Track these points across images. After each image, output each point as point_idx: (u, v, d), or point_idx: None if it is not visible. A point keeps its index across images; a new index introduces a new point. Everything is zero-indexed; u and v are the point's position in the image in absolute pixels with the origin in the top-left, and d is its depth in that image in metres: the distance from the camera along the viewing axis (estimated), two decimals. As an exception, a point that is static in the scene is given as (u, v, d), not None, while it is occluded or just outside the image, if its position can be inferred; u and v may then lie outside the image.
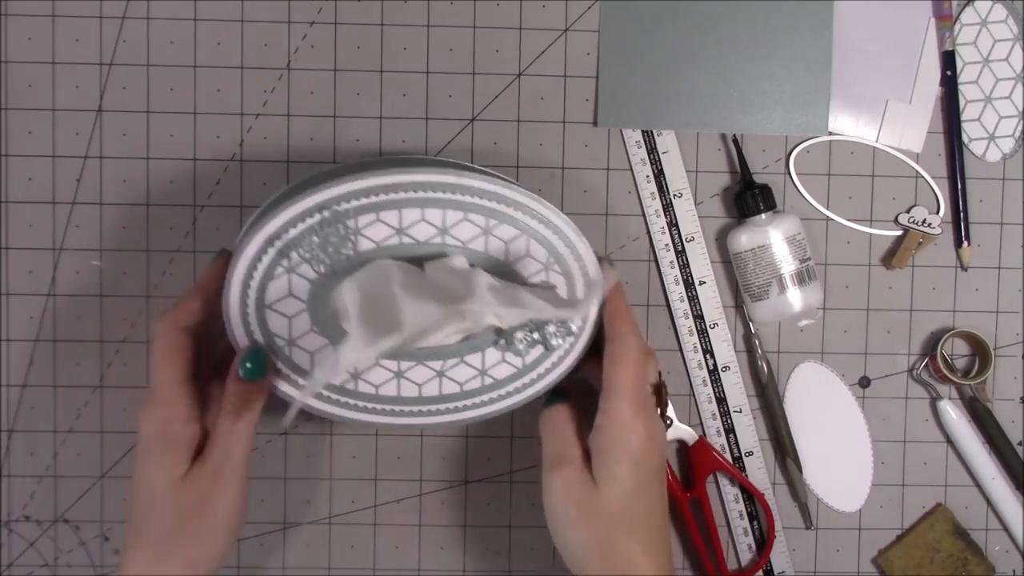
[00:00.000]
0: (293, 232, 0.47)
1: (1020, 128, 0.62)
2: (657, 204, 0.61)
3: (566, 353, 0.52)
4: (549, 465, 0.48)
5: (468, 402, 0.53)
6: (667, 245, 0.61)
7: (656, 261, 0.61)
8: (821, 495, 0.62)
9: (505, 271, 0.50)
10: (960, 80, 0.61)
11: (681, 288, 0.61)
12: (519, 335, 0.52)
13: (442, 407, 0.53)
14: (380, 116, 0.60)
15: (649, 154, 0.61)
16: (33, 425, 0.61)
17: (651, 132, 0.61)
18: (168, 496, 0.44)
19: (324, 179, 0.47)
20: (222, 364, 0.48)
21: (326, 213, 0.47)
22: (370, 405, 0.52)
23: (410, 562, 0.62)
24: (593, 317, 0.51)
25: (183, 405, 0.44)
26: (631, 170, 0.61)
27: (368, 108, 0.60)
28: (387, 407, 0.52)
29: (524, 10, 0.61)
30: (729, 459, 0.61)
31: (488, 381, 0.53)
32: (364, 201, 0.47)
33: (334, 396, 0.52)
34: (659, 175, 0.61)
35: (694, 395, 0.61)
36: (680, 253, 0.61)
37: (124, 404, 0.61)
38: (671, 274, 0.61)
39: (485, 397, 0.53)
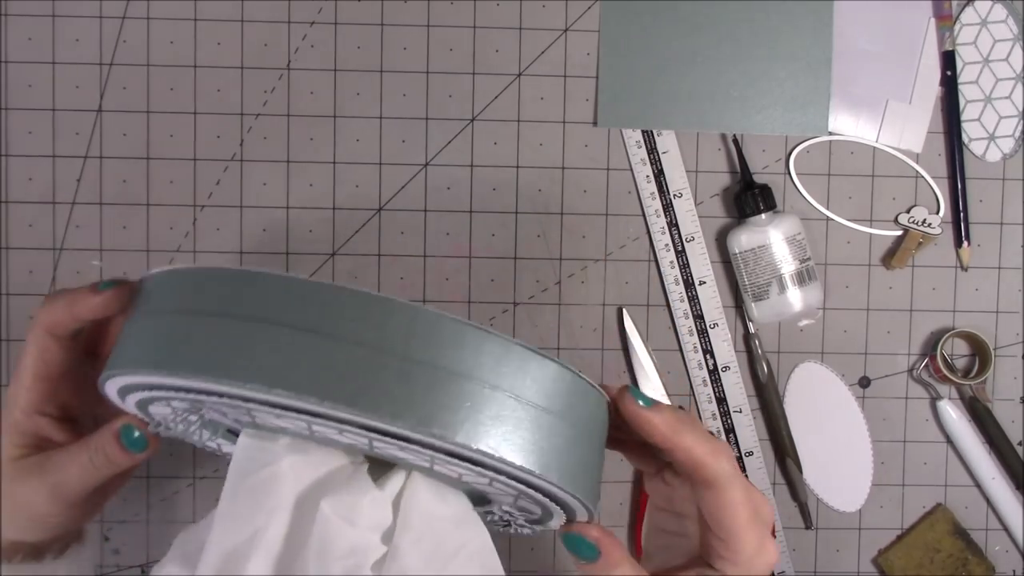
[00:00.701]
0: (165, 408, 0.35)
1: (1020, 128, 0.62)
2: (657, 204, 0.61)
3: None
4: None
5: None
6: (667, 245, 0.61)
7: (656, 261, 0.61)
8: (821, 495, 0.62)
9: (457, 484, 0.36)
10: (960, 80, 0.61)
11: (681, 288, 0.61)
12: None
13: None
14: (380, 116, 0.60)
15: (649, 154, 0.61)
16: (33, 425, 0.60)
17: (651, 132, 0.61)
18: (3, 469, 0.43)
19: (199, 356, 0.30)
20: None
21: (205, 398, 0.32)
22: None
23: (410, 562, 0.62)
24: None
25: (28, 400, 0.42)
26: (631, 170, 0.61)
27: (368, 108, 0.60)
28: None
29: (524, 10, 0.61)
30: (729, 459, 0.61)
31: None
32: (255, 407, 0.31)
33: None
34: (659, 175, 0.61)
35: (694, 395, 0.61)
36: (680, 253, 0.61)
37: (124, 404, 0.61)
38: (671, 274, 0.61)
39: None
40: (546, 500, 0.34)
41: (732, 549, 0.37)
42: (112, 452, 0.40)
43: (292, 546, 0.33)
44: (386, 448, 0.32)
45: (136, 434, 0.40)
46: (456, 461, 0.31)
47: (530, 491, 0.33)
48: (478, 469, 0.32)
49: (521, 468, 0.31)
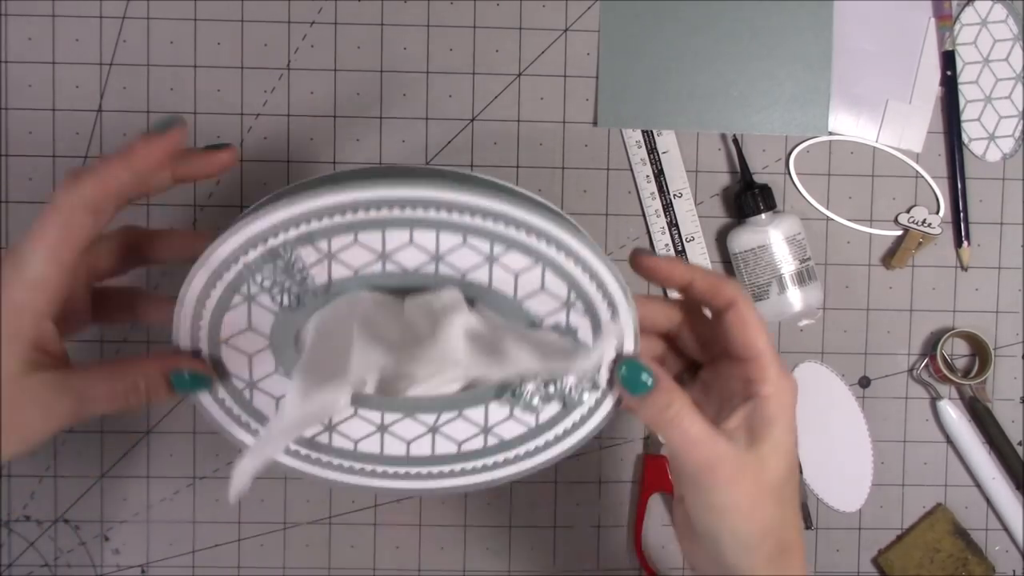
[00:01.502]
0: (252, 254, 0.38)
1: (1020, 128, 0.62)
2: (657, 204, 0.61)
3: (591, 412, 0.43)
4: (703, 465, 0.39)
5: (466, 466, 0.44)
6: (667, 245, 0.61)
7: (656, 261, 0.61)
8: (821, 495, 0.62)
9: (513, 310, 0.40)
10: (960, 80, 0.61)
11: (681, 288, 0.61)
12: (530, 387, 0.43)
13: (434, 470, 0.44)
14: (380, 116, 0.60)
15: (649, 154, 0.61)
16: (33, 425, 0.60)
17: (651, 132, 0.61)
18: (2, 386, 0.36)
19: (294, 192, 0.38)
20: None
21: (291, 232, 0.38)
22: (346, 463, 0.44)
23: (410, 562, 0.62)
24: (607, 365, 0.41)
25: (41, 300, 0.35)
26: (631, 170, 0.61)
27: (368, 108, 0.60)
28: (367, 467, 0.44)
29: (524, 10, 0.61)
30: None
31: (492, 441, 0.44)
32: (338, 220, 0.38)
33: (303, 451, 0.44)
34: (659, 175, 0.61)
35: (694, 395, 0.61)
36: (680, 253, 0.61)
37: (124, 404, 0.61)
38: (671, 274, 0.61)
39: (487, 461, 0.44)
40: (597, 296, 0.40)
41: (762, 365, 0.40)
42: (157, 392, 0.38)
43: (383, 311, 0.40)
44: (478, 231, 0.39)
45: (187, 376, 0.38)
46: (530, 237, 0.39)
47: (584, 279, 0.40)
48: (545, 227, 0.39)
49: (575, 228, 0.39)
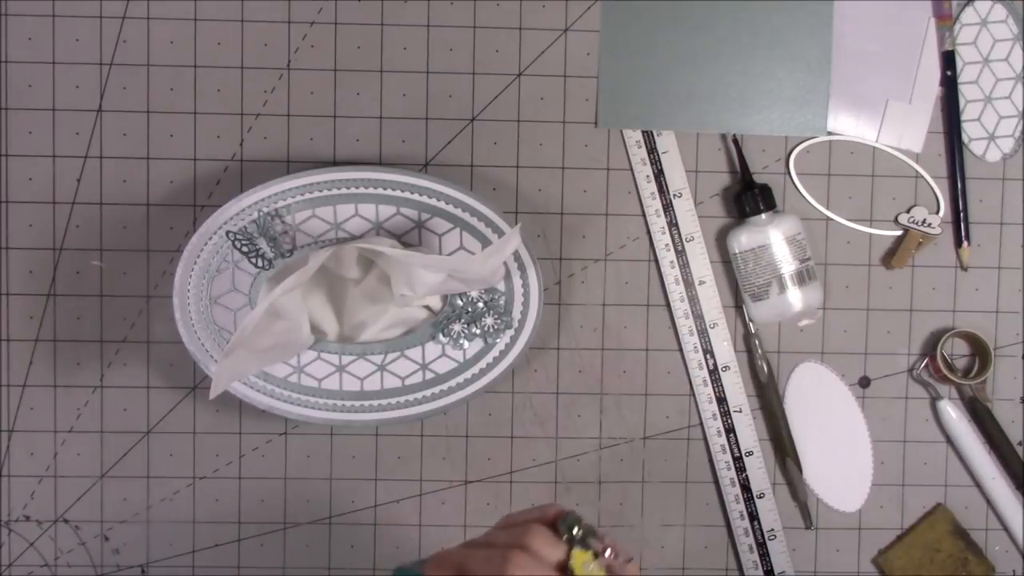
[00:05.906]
0: (232, 226, 0.53)
1: (1020, 128, 0.62)
2: (657, 204, 0.61)
3: (508, 348, 0.55)
4: None
5: (411, 397, 0.55)
6: (667, 245, 0.61)
7: (656, 261, 0.61)
8: (821, 495, 0.62)
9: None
10: (960, 80, 0.61)
11: (681, 288, 0.61)
12: (456, 327, 0.54)
13: (384, 402, 0.55)
14: (380, 116, 0.60)
15: (649, 154, 0.61)
16: (33, 425, 0.61)
17: (651, 132, 0.61)
18: None
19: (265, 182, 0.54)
20: None
21: (264, 209, 0.53)
22: (312, 399, 0.55)
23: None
24: (529, 301, 0.56)
25: None
26: (631, 170, 0.61)
27: (368, 108, 0.60)
28: (329, 402, 0.55)
29: (524, 10, 0.61)
30: (729, 458, 0.61)
31: (430, 376, 0.55)
32: (299, 198, 0.54)
33: (278, 390, 0.55)
34: (659, 175, 0.61)
35: (694, 395, 0.61)
36: (680, 253, 0.61)
37: (124, 404, 0.61)
38: (671, 274, 0.61)
39: (427, 392, 0.56)
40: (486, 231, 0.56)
41: None
42: None
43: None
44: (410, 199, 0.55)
45: None
46: (448, 205, 0.55)
47: (493, 237, 0.55)
48: (460, 196, 0.56)
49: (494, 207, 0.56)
